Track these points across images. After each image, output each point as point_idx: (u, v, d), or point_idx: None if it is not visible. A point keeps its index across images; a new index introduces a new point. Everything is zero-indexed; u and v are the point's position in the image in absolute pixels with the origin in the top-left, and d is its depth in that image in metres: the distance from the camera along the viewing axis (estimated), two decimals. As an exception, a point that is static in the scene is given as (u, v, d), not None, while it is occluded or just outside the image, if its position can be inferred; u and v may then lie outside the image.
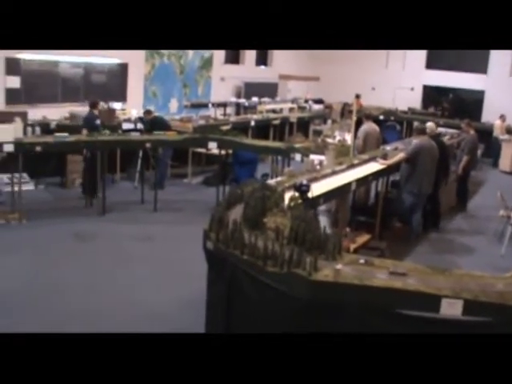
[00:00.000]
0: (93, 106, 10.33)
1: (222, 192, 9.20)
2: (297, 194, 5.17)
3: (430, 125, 9.19)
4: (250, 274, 4.02)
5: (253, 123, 13.16)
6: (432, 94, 20.62)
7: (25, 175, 9.49)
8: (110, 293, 6.07)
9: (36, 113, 11.33)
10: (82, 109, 13.18)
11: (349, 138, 9.05)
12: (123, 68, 16.09)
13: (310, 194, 5.35)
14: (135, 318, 5.46)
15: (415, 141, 8.54)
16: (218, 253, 4.29)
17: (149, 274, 6.65)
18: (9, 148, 8.06)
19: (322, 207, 6.47)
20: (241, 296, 4.18)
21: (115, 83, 15.95)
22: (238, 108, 16.83)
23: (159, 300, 5.93)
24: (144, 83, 16.82)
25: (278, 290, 3.81)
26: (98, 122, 10.10)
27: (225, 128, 11.14)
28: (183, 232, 8.07)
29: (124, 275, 6.57)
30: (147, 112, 11.20)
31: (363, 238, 7.28)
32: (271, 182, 6.19)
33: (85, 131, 9.69)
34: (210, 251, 4.41)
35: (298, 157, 8.44)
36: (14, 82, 13.75)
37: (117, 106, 13.00)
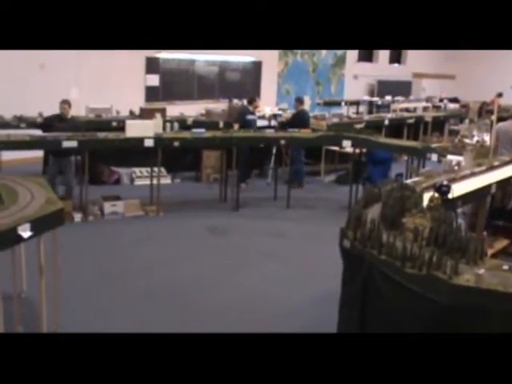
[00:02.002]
0: (250, 101, 10.63)
1: (355, 191, 9.11)
2: (436, 195, 5.02)
3: None
4: (386, 274, 3.95)
5: (387, 122, 12.93)
6: None
7: (162, 169, 9.84)
8: (242, 288, 6.15)
9: (173, 109, 11.69)
10: (216, 105, 13.55)
11: (488, 138, 8.71)
12: (257, 66, 16.31)
13: (450, 195, 5.18)
14: (268, 314, 5.50)
15: None
16: (355, 251, 4.24)
17: (280, 270, 6.68)
18: (149, 143, 8.38)
19: (459, 210, 6.27)
20: (376, 295, 4.12)
21: (249, 81, 16.21)
22: (371, 106, 16.59)
23: (291, 296, 5.94)
24: (277, 81, 16.99)
25: (416, 292, 3.71)
26: (251, 117, 10.33)
27: (358, 126, 11.04)
28: (315, 230, 8.08)
29: (256, 271, 6.64)
30: (298, 100, 11.21)
31: (501, 244, 6.98)
32: (408, 182, 6.06)
33: (236, 125, 9.96)
34: (347, 249, 4.36)
35: (434, 157, 8.19)
36: (154, 80, 14.33)
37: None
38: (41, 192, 4.84)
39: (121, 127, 9.56)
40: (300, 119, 10.59)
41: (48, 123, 8.66)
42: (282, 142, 9.23)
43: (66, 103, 8.70)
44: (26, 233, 4.00)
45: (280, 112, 12.39)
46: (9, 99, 10.55)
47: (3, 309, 4.29)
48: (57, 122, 8.59)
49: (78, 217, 8.13)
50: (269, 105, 14.08)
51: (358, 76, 18.79)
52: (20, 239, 4.01)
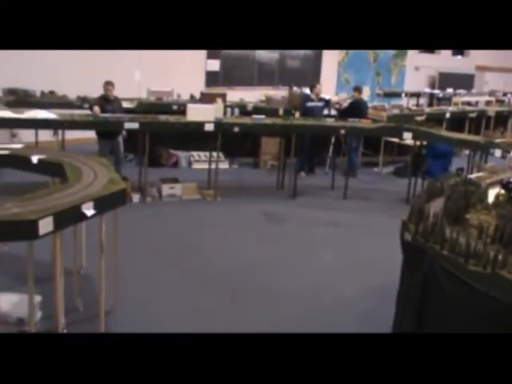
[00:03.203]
0: (311, 88, 10.61)
1: (414, 184, 8.98)
2: (503, 192, 4.90)
3: None
4: (448, 270, 3.88)
5: (448, 115, 12.68)
6: None
7: (220, 154, 9.87)
8: (295, 276, 6.13)
9: (233, 95, 11.70)
10: (276, 92, 13.52)
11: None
12: (318, 54, 16.21)
13: (516, 192, 5.05)
14: (320, 304, 5.47)
15: None
16: (416, 245, 4.18)
17: (336, 260, 6.64)
18: (209, 127, 8.41)
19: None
20: (436, 290, 4.05)
21: (309, 69, 16.13)
22: (431, 99, 16.29)
23: (345, 287, 5.91)
24: (337, 70, 16.85)
25: (479, 290, 3.64)
26: (311, 104, 10.28)
27: (419, 119, 10.85)
28: (372, 221, 8.02)
29: (310, 259, 6.61)
30: (356, 89, 11.10)
31: None
32: (471, 177, 5.94)
33: (297, 113, 9.94)
34: (408, 243, 4.30)
35: (497, 153, 8.01)
36: (214, 65, 14.37)
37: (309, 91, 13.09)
38: (104, 172, 4.90)
39: (181, 111, 9.64)
40: (357, 109, 10.47)
41: (96, 104, 8.79)
42: (342, 131, 9.15)
43: (110, 84, 8.84)
44: (89, 211, 4.06)
45: (327, 97, 12.21)
46: (73, 80, 10.74)
47: (64, 283, 4.37)
48: (104, 104, 8.73)
49: (136, 197, 8.25)
50: (328, 93, 13.97)
51: (419, 67, 18.48)
52: (83, 217, 4.07)
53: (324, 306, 5.41)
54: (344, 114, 10.37)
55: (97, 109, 8.56)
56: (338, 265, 6.50)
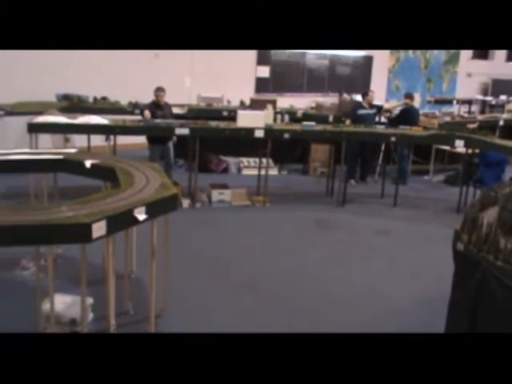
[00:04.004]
0: (363, 95, 10.56)
1: (465, 193, 8.84)
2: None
3: None
4: (502, 280, 3.81)
5: (501, 123, 12.44)
6: None
7: (270, 160, 9.89)
8: (344, 283, 6.09)
9: (282, 101, 11.71)
10: (326, 99, 13.50)
11: None
12: (368, 60, 16.11)
13: None
14: (368, 312, 5.41)
15: None
16: (469, 255, 4.10)
17: (385, 268, 6.57)
18: (259, 134, 8.43)
19: None
20: (490, 302, 3.97)
21: (359, 75, 16.05)
22: (484, 106, 16.06)
23: (394, 295, 5.83)
24: (388, 76, 16.72)
25: (534, 302, 3.57)
26: (362, 111, 10.24)
27: (471, 126, 10.68)
28: (423, 230, 7.92)
29: (359, 267, 6.55)
30: (408, 96, 10.98)
31: None
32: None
33: (348, 121, 9.91)
34: (460, 252, 4.23)
35: (554, 161, 7.85)
36: (264, 71, 14.42)
37: (359, 98, 13.02)
38: (155, 177, 4.96)
39: (231, 117, 9.69)
40: (408, 116, 10.35)
41: (147, 110, 8.90)
42: (393, 138, 9.06)
43: (161, 90, 8.95)
44: (141, 215, 4.10)
45: (380, 104, 12.11)
46: (125, 86, 10.91)
47: (115, 286, 4.43)
48: (155, 109, 8.83)
49: (186, 203, 8.32)
50: (378, 100, 13.87)
51: (471, 74, 18.20)
52: (135, 221, 4.11)
53: (373, 314, 5.35)
54: (395, 121, 10.26)
55: (147, 113, 8.68)
56: (388, 273, 6.43)
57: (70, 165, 5.65)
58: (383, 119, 11.21)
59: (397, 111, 10.87)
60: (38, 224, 3.63)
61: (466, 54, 18.15)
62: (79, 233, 3.70)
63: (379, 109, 10.95)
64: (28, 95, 9.99)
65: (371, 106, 10.52)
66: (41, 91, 10.09)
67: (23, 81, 10.33)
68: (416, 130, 9.32)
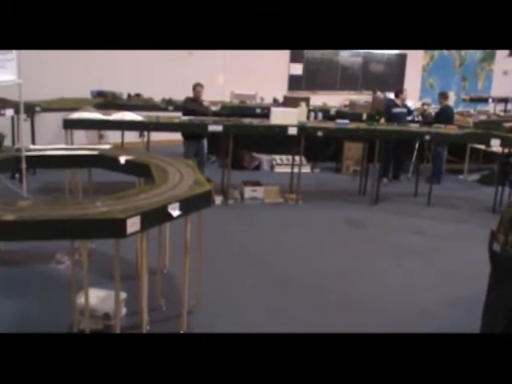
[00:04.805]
0: (396, 94, 10.48)
1: (501, 193, 8.71)
2: None
3: None
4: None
5: (538, 121, 12.25)
6: None
7: (303, 158, 9.86)
8: (376, 283, 6.05)
9: (315, 99, 11.67)
10: (359, 97, 13.42)
11: None
12: (402, 58, 15.96)
13: None
14: (400, 312, 5.36)
15: None
16: (506, 256, 4.04)
17: (418, 268, 6.50)
18: (293, 131, 8.42)
19: None
20: (526, 304, 3.92)
21: (393, 73, 15.91)
22: (521, 104, 15.80)
23: (427, 296, 5.76)
24: (422, 74, 16.56)
25: None
26: (398, 110, 10.17)
27: (508, 125, 10.52)
28: (457, 230, 7.83)
29: (392, 267, 6.50)
30: (442, 95, 10.86)
31: None
32: None
33: (382, 119, 9.84)
34: (496, 253, 4.16)
35: None
36: (297, 69, 14.38)
37: (393, 96, 12.91)
38: (189, 173, 4.97)
39: (264, 114, 9.70)
40: (445, 115, 10.24)
41: (188, 107, 8.94)
42: (427, 137, 8.96)
43: (201, 86, 8.97)
44: (175, 211, 4.12)
45: (411, 105, 11.98)
46: (158, 83, 10.98)
47: (148, 281, 4.45)
48: (194, 106, 8.86)
49: (218, 199, 8.33)
50: (412, 99, 13.74)
51: (508, 72, 17.91)
52: (169, 217, 4.13)
53: (404, 315, 5.29)
54: (433, 120, 10.14)
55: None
56: (421, 273, 6.36)
57: (104, 161, 5.71)
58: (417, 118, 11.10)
59: (431, 110, 10.77)
60: (74, 219, 3.67)
61: (502, 52, 17.83)
62: (114, 228, 3.74)
63: (410, 111, 10.82)
64: (63, 92, 10.11)
65: (403, 105, 10.44)
66: (76, 88, 10.21)
67: (59, 78, 10.46)
68: (451, 129, 9.21)
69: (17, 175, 6.82)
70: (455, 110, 11.45)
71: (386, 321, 5.13)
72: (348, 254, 6.78)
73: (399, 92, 10.55)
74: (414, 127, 9.51)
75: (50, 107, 9.55)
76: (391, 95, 12.06)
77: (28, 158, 5.49)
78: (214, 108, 9.63)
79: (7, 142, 6.08)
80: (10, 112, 8.65)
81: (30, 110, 8.97)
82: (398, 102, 10.37)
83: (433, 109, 11.62)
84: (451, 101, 11.57)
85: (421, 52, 16.16)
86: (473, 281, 4.79)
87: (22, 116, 6.15)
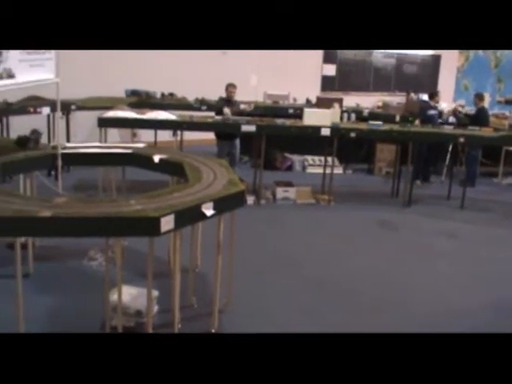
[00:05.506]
0: (430, 96, 10.40)
1: (537, 196, 8.61)
2: None
3: None
4: None
5: None
6: None
7: (335, 159, 9.84)
8: (409, 285, 5.99)
9: (348, 100, 11.63)
10: (392, 98, 13.33)
11: None
12: (436, 59, 15.86)
13: None
14: (432, 314, 5.30)
15: None
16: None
17: (451, 271, 6.43)
18: (326, 132, 8.40)
19: None
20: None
21: (426, 74, 15.82)
22: (559, 106, 15.55)
23: (459, 299, 5.70)
24: (456, 76, 16.40)
25: None
26: (432, 112, 10.09)
27: (546, 127, 10.38)
28: (491, 233, 7.74)
29: (425, 269, 6.44)
30: (478, 97, 10.70)
31: None
32: None
33: (417, 121, 9.77)
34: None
35: None
36: (330, 69, 14.37)
37: (426, 97, 12.81)
38: (223, 173, 4.99)
39: (297, 114, 9.69)
40: (481, 117, 10.13)
41: (221, 107, 8.97)
42: (461, 139, 8.87)
43: (234, 86, 8.99)
44: (209, 211, 4.13)
45: (442, 107, 11.86)
46: (191, 83, 11.04)
47: (180, 280, 4.48)
48: (227, 106, 8.89)
49: (250, 199, 8.35)
50: (446, 100, 13.61)
51: (545, 74, 17.66)
52: (203, 217, 4.14)
53: (436, 316, 5.24)
54: (468, 123, 10.04)
55: (227, 110, 8.75)
56: (453, 276, 6.30)
57: (138, 159, 5.75)
58: (451, 119, 10.98)
59: (464, 112, 10.65)
60: (109, 216, 3.71)
61: (540, 52, 17.62)
62: (148, 226, 3.76)
63: (440, 112, 10.71)
64: (98, 91, 10.22)
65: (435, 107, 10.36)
66: (110, 87, 10.31)
67: (94, 77, 10.57)
68: (486, 131, 9.11)
69: (52, 172, 6.90)
70: (490, 112, 11.31)
71: (417, 322, 5.08)
72: (380, 256, 6.74)
73: (434, 94, 10.46)
74: (448, 129, 9.42)
75: (85, 105, 9.67)
76: (424, 97, 11.97)
77: (64, 155, 5.58)
78: (244, 107, 9.65)
79: (43, 139, 6.15)
80: (46, 110, 8.80)
81: (66, 108, 9.09)
82: (433, 103, 10.29)
83: (467, 110, 11.51)
84: (486, 102, 11.44)
85: (455, 53, 16.02)
86: (507, 285, 4.72)
87: (59, 114, 6.23)
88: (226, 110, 8.75)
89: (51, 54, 5.10)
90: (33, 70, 4.93)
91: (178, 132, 8.72)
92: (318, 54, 13.96)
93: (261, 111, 10.20)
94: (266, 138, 8.41)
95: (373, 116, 10.50)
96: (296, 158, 10.92)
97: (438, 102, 10.36)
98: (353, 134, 8.56)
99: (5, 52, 4.46)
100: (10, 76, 4.61)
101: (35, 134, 5.88)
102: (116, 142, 7.13)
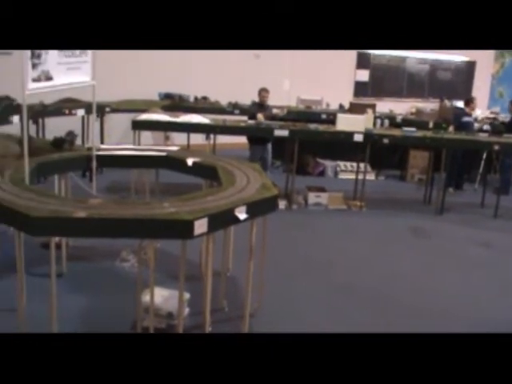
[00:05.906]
0: (466, 102, 10.31)
1: None
2: None
3: None
4: None
5: None
6: None
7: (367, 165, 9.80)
8: (440, 293, 5.93)
9: (381, 106, 11.57)
10: (425, 105, 13.23)
11: None
12: (470, 66, 15.69)
13: None
14: (462, 324, 5.21)
15: None
16: None
17: (484, 280, 6.37)
18: (359, 138, 8.37)
19: None
20: None
21: (461, 81, 15.66)
22: None
23: (491, 308, 5.64)
24: (491, 83, 16.22)
25: None
26: (467, 119, 10.01)
27: None
28: (526, 243, 7.64)
29: (457, 277, 6.38)
30: None
31: None
32: None
33: (451, 127, 9.69)
34: None
35: None
36: (363, 75, 14.32)
37: (460, 104, 12.69)
38: (256, 177, 4.99)
39: (329, 120, 9.67)
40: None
41: (254, 111, 8.99)
42: (496, 147, 8.77)
43: (266, 91, 9.00)
44: (242, 215, 4.13)
45: (479, 112, 11.72)
46: (225, 87, 11.07)
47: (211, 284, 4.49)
48: (259, 110, 8.90)
49: (282, 204, 8.33)
50: (480, 107, 13.47)
51: None
52: (236, 220, 4.15)
53: (466, 323, 5.18)
54: (504, 130, 9.91)
55: (260, 116, 8.78)
56: (485, 285, 6.23)
57: (172, 162, 5.79)
58: (486, 127, 10.86)
59: (502, 119, 10.53)
60: (143, 218, 3.73)
61: None
62: (181, 229, 3.78)
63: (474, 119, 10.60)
64: (132, 93, 10.31)
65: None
66: (144, 90, 10.40)
67: (128, 80, 10.66)
68: (521, 139, 8.99)
69: (86, 173, 6.97)
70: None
71: (446, 329, 5.01)
72: (411, 263, 6.70)
73: (470, 101, 10.35)
74: (483, 137, 9.32)
75: (119, 108, 9.75)
76: (458, 103, 11.87)
77: (98, 157, 5.63)
78: (277, 112, 9.65)
79: (77, 141, 6.23)
80: (81, 112, 8.90)
81: (100, 110, 9.17)
82: (468, 110, 10.18)
83: (502, 118, 11.38)
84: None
85: (490, 60, 15.85)
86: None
87: (94, 116, 6.30)
88: (260, 116, 8.77)
89: (88, 57, 5.15)
90: (69, 72, 4.99)
91: (211, 135, 8.75)
92: (351, 59, 13.91)
93: (293, 116, 10.18)
94: (298, 143, 8.40)
95: (406, 122, 10.41)
96: (328, 164, 10.90)
97: (473, 109, 10.25)
98: (386, 140, 8.52)
99: (44, 55, 4.52)
100: (48, 78, 4.68)
101: (70, 135, 5.96)
102: (149, 145, 7.18)
